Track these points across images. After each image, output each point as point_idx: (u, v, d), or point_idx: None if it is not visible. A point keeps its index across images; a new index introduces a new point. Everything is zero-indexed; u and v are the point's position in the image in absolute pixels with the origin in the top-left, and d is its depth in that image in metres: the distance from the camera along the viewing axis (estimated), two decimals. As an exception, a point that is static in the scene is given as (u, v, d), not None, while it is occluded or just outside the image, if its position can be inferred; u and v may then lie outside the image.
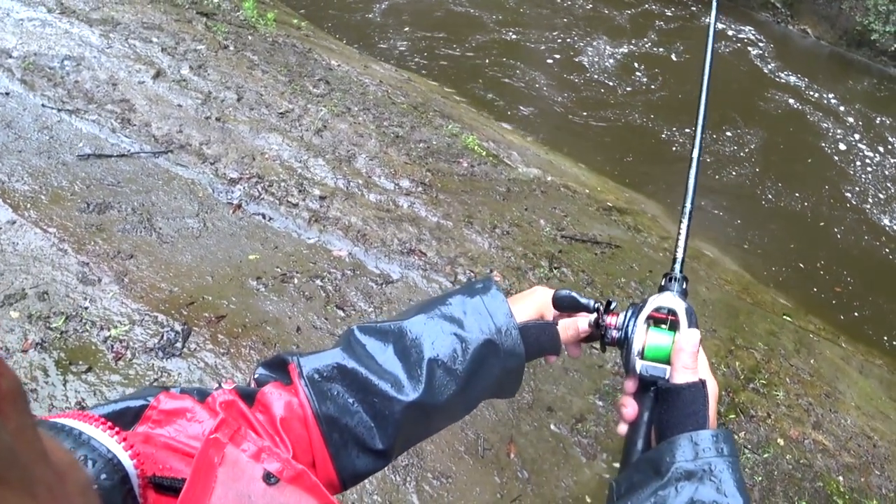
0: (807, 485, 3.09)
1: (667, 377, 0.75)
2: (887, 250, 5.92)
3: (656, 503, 0.67)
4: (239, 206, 3.46)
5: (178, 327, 2.72)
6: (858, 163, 7.09)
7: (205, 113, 3.98)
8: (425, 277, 3.28)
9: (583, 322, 0.84)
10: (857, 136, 7.47)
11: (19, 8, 4.50)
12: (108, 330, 2.62)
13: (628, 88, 7.49)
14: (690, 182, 0.94)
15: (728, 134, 7.05)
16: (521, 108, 6.65)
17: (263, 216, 3.44)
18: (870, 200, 6.49)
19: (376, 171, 3.89)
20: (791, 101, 7.98)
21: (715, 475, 0.67)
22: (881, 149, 7.34)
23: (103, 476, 0.47)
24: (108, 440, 0.50)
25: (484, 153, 4.66)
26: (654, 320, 0.79)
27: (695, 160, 0.97)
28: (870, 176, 6.94)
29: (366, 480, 2.45)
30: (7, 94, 3.86)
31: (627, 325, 0.79)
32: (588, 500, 2.55)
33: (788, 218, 6.09)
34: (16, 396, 0.25)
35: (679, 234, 0.90)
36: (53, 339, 2.53)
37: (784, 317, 4.60)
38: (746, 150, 6.87)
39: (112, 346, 2.56)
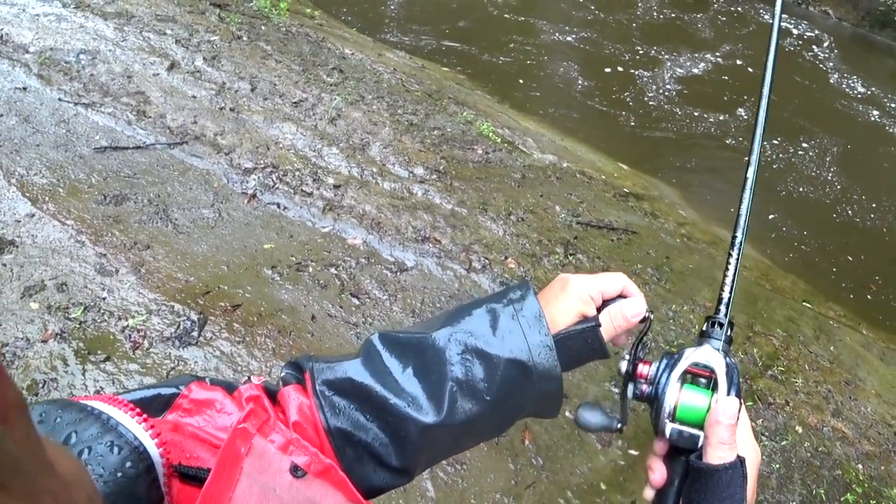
0: (825, 472, 3.06)
1: (700, 445, 0.67)
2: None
3: None
4: (254, 195, 3.48)
5: (194, 316, 2.75)
6: (882, 147, 6.96)
7: (219, 104, 4.00)
8: (440, 265, 3.28)
9: (631, 307, 0.76)
10: (875, 114, 7.33)
11: (35, 3, 4.54)
12: (126, 320, 2.65)
13: (646, 74, 7.39)
14: (744, 207, 0.81)
15: (745, 116, 6.94)
16: (537, 94, 6.60)
17: (278, 205, 3.45)
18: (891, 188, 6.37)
19: (390, 158, 3.89)
20: (808, 80, 7.85)
21: None
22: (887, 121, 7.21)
23: (128, 464, 0.47)
24: (136, 427, 0.49)
25: (499, 140, 4.63)
26: (691, 375, 0.70)
27: (750, 181, 0.83)
28: (893, 160, 6.82)
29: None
30: (24, 88, 3.90)
31: (659, 379, 0.70)
32: (603, 486, 2.54)
33: (808, 203, 5.99)
34: (20, 407, 0.25)
35: (727, 269, 0.78)
36: (72, 330, 2.57)
37: (804, 303, 4.54)
38: (745, 123, 6.77)
39: (130, 335, 2.60)
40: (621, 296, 0.78)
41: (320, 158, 3.75)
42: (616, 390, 3.02)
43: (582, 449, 2.66)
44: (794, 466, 3.04)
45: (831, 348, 4.01)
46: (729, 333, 0.74)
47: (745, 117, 6.85)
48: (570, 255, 3.65)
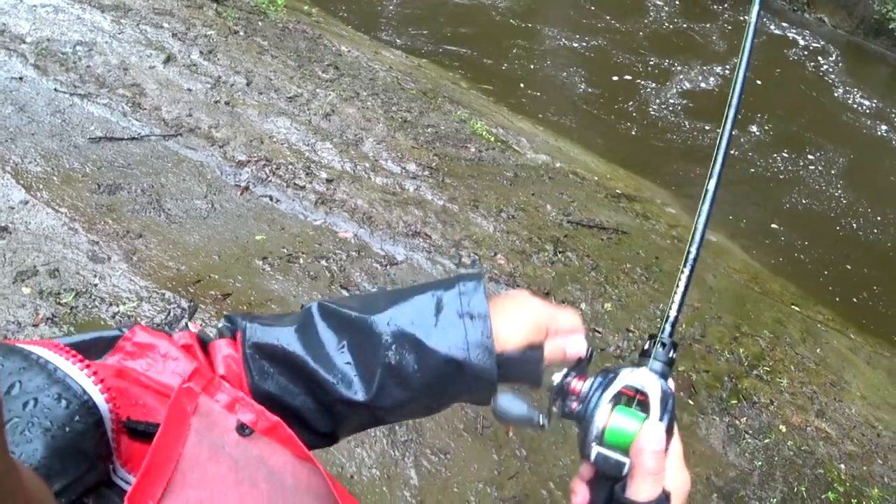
0: (807, 471, 3.10)
1: (625, 473, 0.62)
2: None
3: None
4: (247, 188, 3.51)
5: (184, 304, 2.77)
6: (888, 160, 7.01)
7: (214, 97, 4.03)
8: (430, 259, 3.31)
9: (574, 345, 0.72)
10: (869, 123, 7.39)
11: (33, -7, 4.56)
12: (117, 306, 2.67)
13: (643, 76, 7.45)
14: (701, 221, 0.78)
15: (755, 131, 6.99)
16: (536, 96, 6.65)
17: (271, 198, 3.48)
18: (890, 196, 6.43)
19: (383, 154, 3.92)
20: (814, 92, 7.90)
21: None
22: (893, 135, 7.27)
23: (76, 419, 0.45)
24: (83, 379, 0.47)
25: (492, 139, 4.67)
26: (626, 398, 0.66)
27: (710, 193, 0.79)
28: (886, 165, 6.88)
29: (364, 454, 2.49)
30: (21, 78, 3.92)
31: (591, 398, 0.65)
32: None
33: (812, 215, 6.02)
34: None
35: (677, 286, 0.74)
36: (63, 315, 2.59)
37: (792, 306, 4.58)
38: (756, 138, 6.82)
39: (120, 321, 2.62)
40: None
41: (314, 153, 3.78)
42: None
43: (565, 442, 2.69)
44: (776, 464, 3.08)
45: (818, 350, 4.05)
46: (671, 355, 0.70)
47: (756, 133, 6.89)
48: (560, 252, 3.68)
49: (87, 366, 0.48)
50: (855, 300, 5.23)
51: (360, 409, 0.68)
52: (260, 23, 4.88)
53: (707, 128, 6.64)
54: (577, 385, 0.67)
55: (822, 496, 2.99)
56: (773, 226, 5.79)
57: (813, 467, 3.13)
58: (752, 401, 3.36)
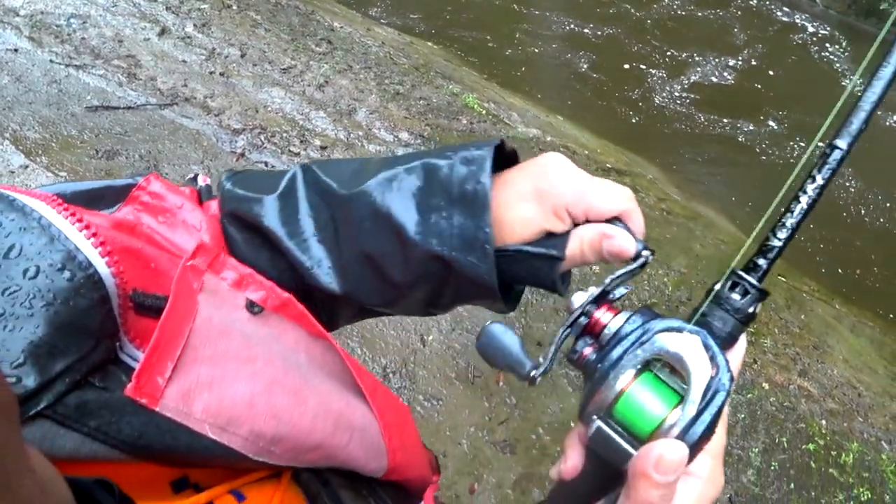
0: (789, 425, 3.20)
1: (625, 468, 0.44)
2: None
3: None
4: (242, 154, 3.57)
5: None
6: (871, 135, 7.06)
7: (209, 68, 4.08)
8: (421, 222, 3.39)
9: (615, 238, 0.53)
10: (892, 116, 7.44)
11: (28, -32, 4.59)
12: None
13: (650, 64, 7.50)
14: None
15: (772, 125, 7.06)
16: (529, 74, 6.71)
17: (266, 164, 3.54)
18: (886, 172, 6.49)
19: (376, 123, 3.98)
20: (821, 78, 7.91)
21: None
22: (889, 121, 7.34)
23: (81, 293, 0.42)
24: (87, 248, 0.43)
25: (484, 112, 4.74)
26: (661, 362, 0.46)
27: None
28: (882, 146, 6.96)
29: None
30: (16, 50, 3.96)
31: (612, 349, 0.47)
32: (572, 424, 2.66)
33: (822, 202, 6.05)
34: (8, 410, 0.24)
35: (798, 196, 0.50)
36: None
37: (779, 276, 4.68)
38: (748, 111, 6.89)
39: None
40: (616, 219, 0.55)
41: (308, 121, 3.84)
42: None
43: (554, 391, 2.78)
44: (758, 418, 3.18)
45: (802, 317, 4.16)
46: (752, 310, 0.49)
47: (773, 125, 6.93)
48: (550, 217, 3.76)
49: (94, 234, 0.44)
50: (840, 271, 5.33)
51: (341, 300, 0.61)
52: (253, -2, 4.94)
53: (713, 118, 6.68)
54: (604, 318, 0.49)
55: (803, 447, 3.09)
56: (760, 195, 5.86)
57: (794, 422, 3.23)
58: (737, 359, 3.46)
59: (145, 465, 0.46)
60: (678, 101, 6.83)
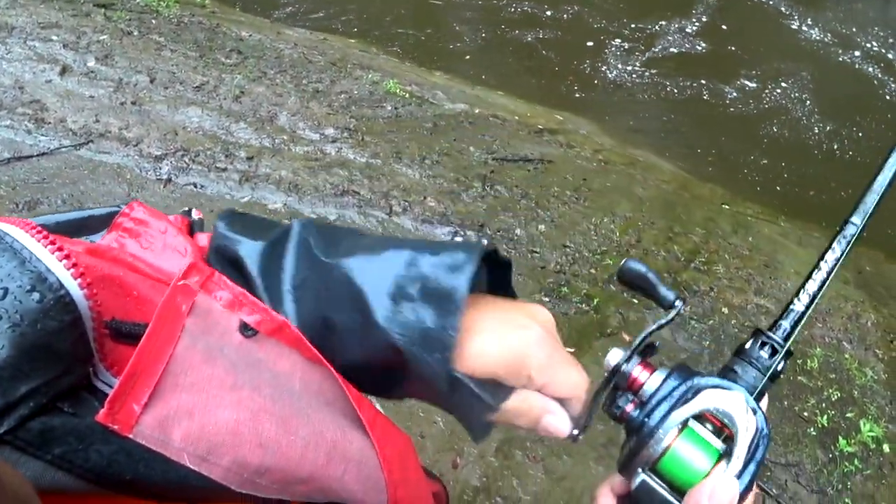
0: (752, 342, 3.28)
1: None
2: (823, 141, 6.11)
3: None
4: (169, 180, 3.48)
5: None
6: (794, 57, 7.19)
7: (119, 99, 3.96)
8: (362, 213, 3.37)
9: (554, 420, 0.54)
10: (804, 27, 7.61)
11: None
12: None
13: (566, 18, 7.50)
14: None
15: (671, 30, 7.13)
16: (447, 47, 6.66)
17: (195, 185, 3.46)
18: (813, 93, 6.65)
19: (299, 125, 3.93)
20: (767, 21, 7.97)
21: None
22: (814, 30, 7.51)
23: (50, 316, 0.39)
24: (59, 270, 0.41)
25: (407, 95, 4.71)
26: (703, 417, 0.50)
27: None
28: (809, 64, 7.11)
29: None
30: (-87, 115, 3.78)
31: (656, 408, 0.50)
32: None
33: (727, 117, 6.19)
34: None
35: (815, 270, 0.56)
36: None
37: (723, 206, 4.78)
38: (682, 54, 6.97)
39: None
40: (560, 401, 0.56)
41: (229, 135, 3.76)
42: (547, 299, 3.17)
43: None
44: (723, 342, 3.25)
45: (749, 239, 4.26)
46: (780, 367, 0.52)
47: (672, 31, 7.00)
48: (488, 187, 3.77)
49: (67, 256, 0.42)
50: (779, 188, 5.46)
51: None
52: (153, 21, 4.79)
53: (652, 78, 6.64)
54: (641, 377, 0.51)
55: (769, 362, 3.18)
56: (697, 132, 5.96)
57: (757, 338, 3.31)
58: (694, 290, 3.53)
59: (114, 497, 0.44)
60: (624, 69, 6.87)
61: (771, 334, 0.53)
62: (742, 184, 5.39)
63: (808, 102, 6.40)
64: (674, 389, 0.50)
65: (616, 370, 0.51)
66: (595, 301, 3.24)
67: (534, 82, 6.45)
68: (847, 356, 3.31)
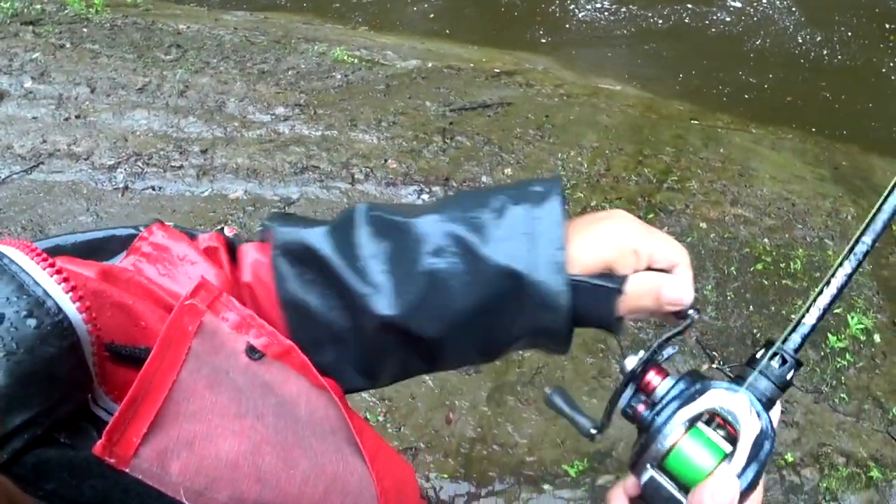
0: (734, 254, 3.27)
1: None
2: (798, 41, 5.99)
3: None
4: (126, 187, 3.42)
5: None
6: None
7: (63, 115, 3.86)
8: (324, 187, 3.32)
9: (672, 286, 0.56)
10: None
11: None
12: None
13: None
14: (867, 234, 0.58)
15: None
16: (399, 11, 6.50)
17: (153, 188, 3.40)
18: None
19: (249, 109, 3.85)
20: None
21: None
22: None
23: (47, 341, 0.38)
24: (58, 293, 0.40)
25: (356, 61, 4.61)
26: (709, 416, 0.53)
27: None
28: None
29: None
30: None
31: (664, 407, 0.53)
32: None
33: (708, 38, 6.00)
34: None
35: (825, 287, 0.56)
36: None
37: (691, 121, 4.72)
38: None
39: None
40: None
41: (179, 132, 3.69)
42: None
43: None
44: (704, 257, 3.24)
45: (721, 150, 4.21)
46: (789, 377, 0.55)
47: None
48: (449, 139, 3.71)
49: (66, 278, 0.41)
50: (747, 96, 5.39)
51: (395, 332, 0.56)
52: (85, 29, 4.65)
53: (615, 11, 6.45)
54: (653, 380, 0.55)
55: (752, 269, 3.17)
56: (663, 54, 5.84)
57: (738, 249, 3.30)
58: (669, 210, 3.51)
59: None
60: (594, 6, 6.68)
61: (781, 346, 0.56)
62: (710, 98, 5.31)
63: (795, 12, 6.24)
64: (683, 391, 0.54)
65: (632, 374, 0.55)
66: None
67: (490, 27, 6.31)
68: (830, 253, 3.30)
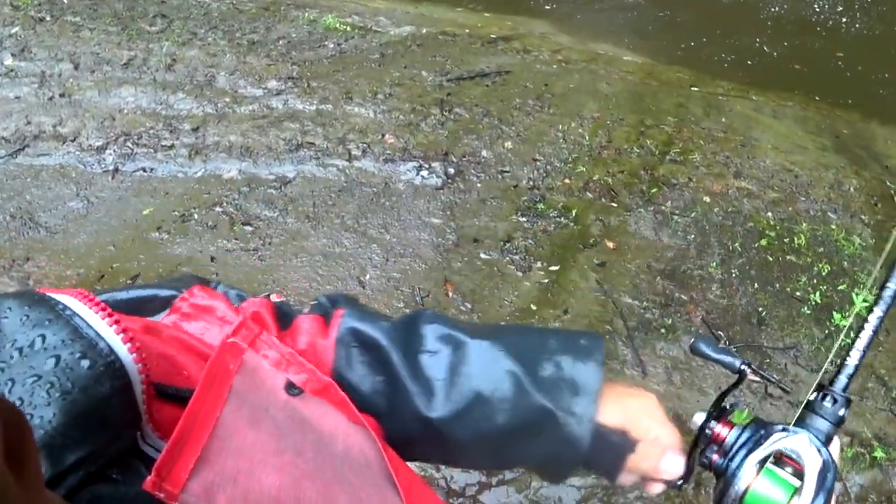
0: (738, 228, 3.22)
1: None
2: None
3: None
4: (116, 170, 3.32)
5: (95, 303, 2.67)
6: None
7: (46, 94, 3.73)
8: (321, 165, 3.24)
9: (669, 461, 0.66)
10: None
11: None
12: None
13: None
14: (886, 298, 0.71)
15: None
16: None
17: (144, 169, 3.31)
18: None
19: (240, 83, 3.72)
20: None
21: None
22: None
23: (101, 381, 0.41)
24: (110, 335, 0.42)
25: (349, 28, 4.47)
26: (776, 458, 0.61)
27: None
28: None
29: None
30: None
31: (734, 454, 0.61)
32: (533, 307, 2.65)
33: (696, 2, 5.87)
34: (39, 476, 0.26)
35: (861, 331, 0.67)
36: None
37: (691, 88, 4.62)
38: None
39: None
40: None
41: (169, 109, 3.57)
42: (525, 219, 3.09)
43: (505, 282, 2.74)
44: (708, 232, 3.19)
45: (722, 120, 4.14)
46: (841, 413, 0.62)
47: None
48: (447, 111, 3.62)
49: (117, 321, 0.43)
50: (749, 63, 5.28)
51: (430, 429, 0.62)
52: (65, 0, 4.47)
53: None
54: (722, 432, 0.63)
55: (756, 245, 3.13)
56: (658, 14, 5.70)
57: (742, 224, 3.25)
58: (672, 184, 3.45)
59: None
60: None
61: (832, 388, 0.63)
62: (710, 64, 5.20)
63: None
64: (749, 438, 0.61)
65: (703, 429, 0.63)
66: (573, 212, 3.16)
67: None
68: (833, 227, 3.26)
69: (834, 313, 2.77)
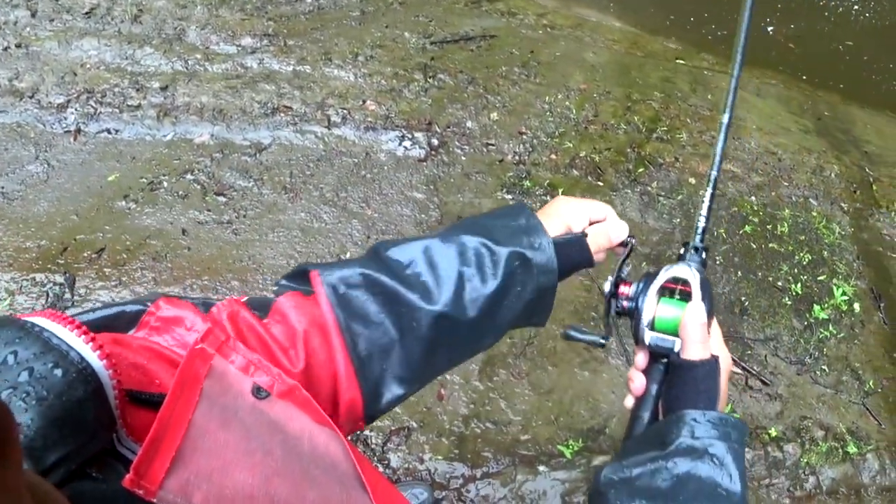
0: (723, 213, 3.20)
1: (676, 349, 0.74)
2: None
3: (654, 469, 0.66)
4: (78, 130, 3.12)
5: (59, 279, 2.53)
6: None
7: (1, 44, 3.47)
8: (298, 131, 3.09)
9: (614, 229, 0.84)
10: None
11: None
12: (-15, 306, 2.42)
13: None
14: (718, 147, 0.88)
15: None
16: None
17: (108, 131, 3.11)
18: None
19: (212, 38, 3.51)
20: None
21: (717, 457, 0.65)
22: None
23: (74, 387, 0.43)
24: (81, 346, 0.45)
25: (327, -18, 4.24)
26: (669, 290, 0.78)
27: (724, 125, 0.90)
28: None
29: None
30: None
31: (639, 295, 0.77)
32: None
33: None
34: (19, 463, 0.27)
35: (702, 200, 0.86)
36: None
37: (677, 61, 4.54)
38: None
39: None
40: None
41: (136, 65, 3.35)
42: (510, 196, 3.00)
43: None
44: (694, 216, 3.15)
45: (709, 97, 4.07)
46: (703, 257, 0.82)
47: None
48: (430, 77, 3.47)
49: (86, 332, 0.46)
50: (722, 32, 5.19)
51: (441, 321, 0.71)
52: (20, -64, 4.13)
53: None
54: (625, 289, 0.79)
55: (741, 232, 3.11)
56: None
57: (727, 208, 3.23)
58: (658, 163, 3.39)
59: None
60: None
61: (691, 242, 0.84)
62: (697, 37, 5.11)
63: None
64: (645, 283, 0.78)
65: (611, 292, 0.80)
66: (560, 191, 3.08)
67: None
68: (815, 213, 3.25)
69: (814, 306, 2.78)
